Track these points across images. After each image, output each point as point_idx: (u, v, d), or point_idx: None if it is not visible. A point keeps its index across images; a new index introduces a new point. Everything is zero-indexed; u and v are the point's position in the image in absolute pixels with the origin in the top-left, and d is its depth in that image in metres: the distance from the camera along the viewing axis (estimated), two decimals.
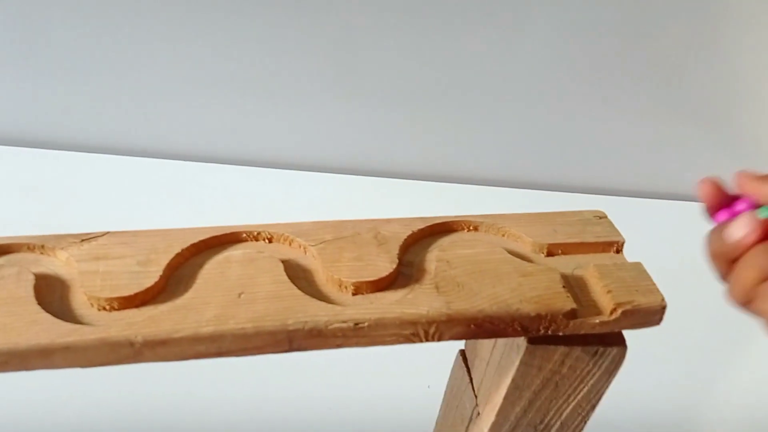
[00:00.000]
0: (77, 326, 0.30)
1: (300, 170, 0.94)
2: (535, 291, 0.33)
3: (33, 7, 0.81)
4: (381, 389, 0.65)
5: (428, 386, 0.62)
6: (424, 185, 0.96)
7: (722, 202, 0.34)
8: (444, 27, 0.85)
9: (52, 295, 0.32)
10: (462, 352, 0.44)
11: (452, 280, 0.34)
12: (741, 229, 0.32)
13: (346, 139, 0.95)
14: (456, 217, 0.38)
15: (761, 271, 0.31)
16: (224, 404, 0.64)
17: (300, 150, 0.95)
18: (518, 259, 0.36)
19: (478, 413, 0.41)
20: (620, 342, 0.35)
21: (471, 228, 0.38)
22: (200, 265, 0.35)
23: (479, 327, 0.32)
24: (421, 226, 0.37)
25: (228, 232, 0.36)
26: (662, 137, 0.95)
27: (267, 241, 0.37)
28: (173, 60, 0.86)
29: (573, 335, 0.34)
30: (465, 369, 0.43)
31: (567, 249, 0.37)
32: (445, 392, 0.48)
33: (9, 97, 0.89)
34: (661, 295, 0.34)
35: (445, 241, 0.37)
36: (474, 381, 0.42)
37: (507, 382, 0.36)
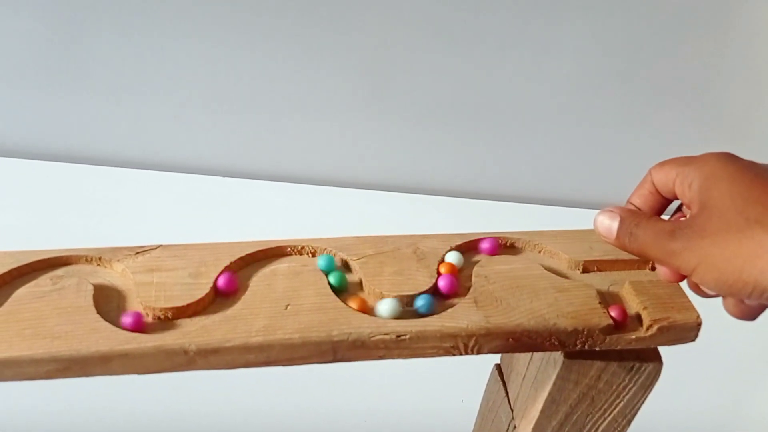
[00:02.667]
0: (134, 335, 0.32)
1: (341, 187, 0.96)
2: (571, 306, 0.34)
3: (81, 33, 0.85)
4: (415, 403, 0.66)
5: (462, 400, 0.63)
6: (462, 202, 0.97)
7: None
8: (477, 47, 0.86)
9: (109, 304, 0.34)
10: (497, 366, 0.45)
11: (490, 295, 0.35)
12: (606, 221, 0.35)
13: (385, 156, 0.97)
14: (494, 233, 0.39)
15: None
16: (260, 414, 0.65)
17: (341, 168, 0.97)
18: (555, 275, 0.36)
19: (515, 426, 0.41)
20: (656, 358, 0.36)
21: (508, 244, 0.39)
22: (248, 278, 0.36)
23: (517, 341, 0.33)
24: (459, 242, 0.38)
25: (273, 246, 0.38)
26: (694, 153, 0.94)
27: (311, 255, 0.38)
28: (216, 79, 0.89)
29: (609, 350, 0.35)
30: (501, 383, 0.43)
31: (602, 266, 0.38)
32: (481, 405, 0.48)
33: (69, 117, 0.93)
34: (697, 312, 0.35)
35: (483, 256, 0.38)
36: (510, 395, 0.42)
37: (544, 395, 0.37)
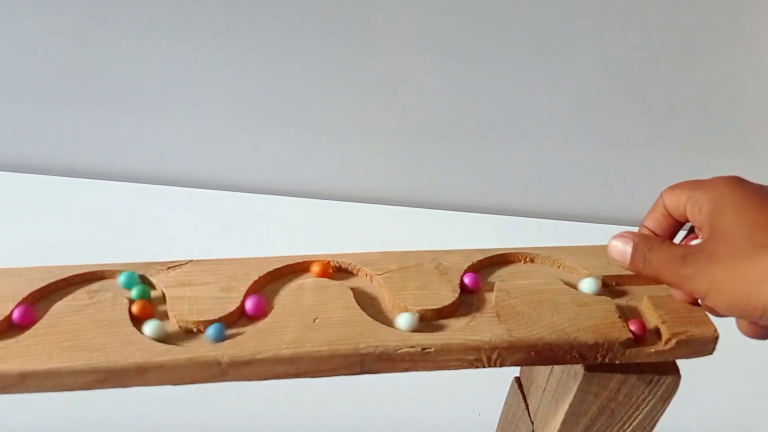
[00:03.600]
0: (169, 347, 0.33)
1: (361, 203, 0.98)
2: (591, 320, 0.35)
3: (104, 48, 0.87)
4: (433, 416, 0.67)
5: (479, 414, 0.63)
6: (480, 217, 0.98)
7: None
8: (492, 63, 0.87)
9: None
10: (517, 380, 0.46)
11: (512, 309, 0.36)
12: (619, 245, 0.37)
13: (405, 172, 0.98)
14: (513, 249, 0.40)
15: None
16: (275, 425, 0.66)
17: (361, 183, 0.99)
18: (574, 290, 0.37)
19: None
20: (674, 371, 0.37)
21: (528, 260, 0.40)
22: (275, 292, 0.37)
23: (539, 354, 0.34)
24: (480, 257, 0.39)
25: (300, 261, 0.39)
26: (707, 169, 0.95)
27: (336, 270, 0.39)
28: (235, 97, 0.91)
29: (629, 363, 0.36)
30: (521, 396, 0.44)
31: (621, 281, 0.39)
32: (500, 418, 0.49)
33: (97, 134, 0.95)
34: (714, 326, 0.36)
35: (504, 271, 0.39)
36: (530, 407, 0.43)
37: (564, 408, 0.37)
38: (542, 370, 0.41)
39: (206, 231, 0.91)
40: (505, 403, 0.48)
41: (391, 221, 0.95)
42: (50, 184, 0.95)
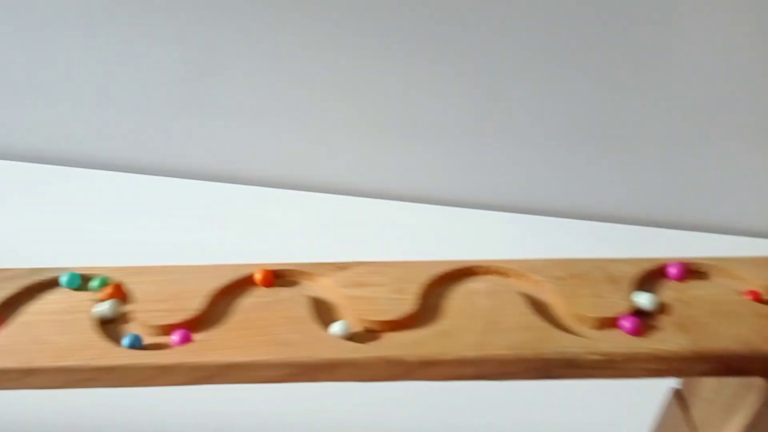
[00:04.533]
0: (357, 345, 0.34)
1: (506, 212, 0.97)
2: None
3: (230, 54, 0.90)
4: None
5: None
6: (623, 228, 0.96)
7: None
8: (599, 62, 0.85)
9: (322, 316, 0.36)
10: (677, 392, 0.45)
11: (693, 319, 0.35)
12: None
13: (549, 181, 0.97)
14: (683, 259, 0.40)
15: None
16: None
17: (506, 193, 0.98)
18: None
19: None
20: None
21: (698, 270, 0.40)
22: (443, 295, 0.38)
23: (726, 365, 0.33)
24: (649, 267, 0.39)
25: (464, 266, 0.40)
26: None
27: (500, 275, 0.40)
28: (350, 104, 0.93)
29: None
30: (683, 409, 0.43)
31: None
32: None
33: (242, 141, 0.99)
34: None
35: (674, 281, 0.39)
36: (696, 422, 0.42)
37: (740, 422, 0.37)
38: (709, 382, 0.40)
39: (340, 235, 0.92)
40: (662, 416, 0.47)
41: (533, 231, 0.94)
42: (196, 188, 0.97)
